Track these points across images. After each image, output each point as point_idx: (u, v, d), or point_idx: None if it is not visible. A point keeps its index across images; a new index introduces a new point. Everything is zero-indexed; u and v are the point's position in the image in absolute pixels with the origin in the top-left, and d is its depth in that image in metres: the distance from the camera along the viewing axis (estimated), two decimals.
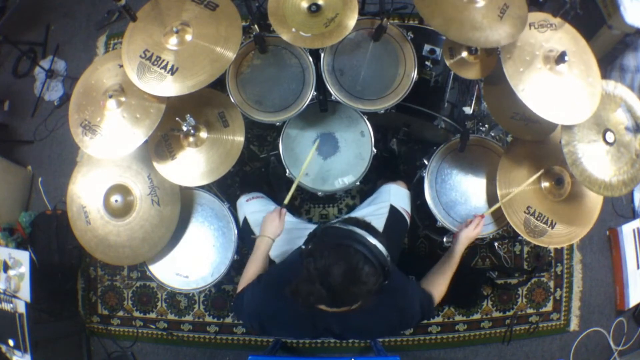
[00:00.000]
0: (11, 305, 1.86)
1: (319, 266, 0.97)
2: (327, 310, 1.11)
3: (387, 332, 1.33)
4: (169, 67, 1.45)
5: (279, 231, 1.46)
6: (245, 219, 1.68)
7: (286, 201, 1.53)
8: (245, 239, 1.68)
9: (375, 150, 1.75)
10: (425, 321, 2.13)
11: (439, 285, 1.41)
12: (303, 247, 1.05)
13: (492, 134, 1.92)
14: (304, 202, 2.27)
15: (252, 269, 1.39)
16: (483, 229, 1.65)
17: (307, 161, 1.63)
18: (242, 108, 1.68)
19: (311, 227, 1.61)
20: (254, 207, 1.70)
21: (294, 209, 2.24)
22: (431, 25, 1.40)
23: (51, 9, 2.70)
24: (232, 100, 1.68)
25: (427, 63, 1.71)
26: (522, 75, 1.38)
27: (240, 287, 1.36)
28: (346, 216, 1.09)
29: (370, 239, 0.98)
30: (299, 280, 1.01)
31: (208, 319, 2.21)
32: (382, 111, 1.67)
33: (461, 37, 1.40)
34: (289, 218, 1.70)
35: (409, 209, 1.70)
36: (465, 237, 1.50)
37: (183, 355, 2.22)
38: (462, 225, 1.57)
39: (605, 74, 2.20)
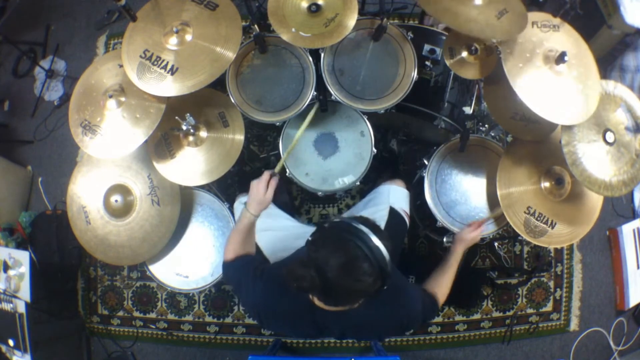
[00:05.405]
0: (11, 305, 1.86)
1: (319, 253, 0.98)
2: (326, 308, 1.11)
3: (387, 332, 1.32)
4: (169, 67, 1.45)
5: (263, 206, 1.31)
6: None
7: (277, 169, 1.39)
8: None
9: (375, 150, 1.75)
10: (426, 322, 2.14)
11: (441, 286, 1.41)
12: (310, 238, 1.05)
13: (492, 134, 1.92)
14: (304, 202, 2.27)
15: (236, 239, 1.32)
16: (484, 228, 1.64)
17: (308, 120, 1.57)
18: (242, 108, 1.68)
19: (310, 229, 1.61)
20: None
21: (294, 209, 2.24)
22: (425, 9, 1.38)
23: (51, 9, 2.70)
24: (232, 100, 1.68)
25: (427, 63, 1.70)
26: (521, 71, 1.38)
27: (226, 254, 1.31)
28: (357, 215, 1.09)
29: (375, 240, 0.98)
30: (296, 261, 1.00)
31: (208, 319, 2.21)
32: (382, 111, 1.67)
33: (456, 23, 1.37)
34: (288, 222, 1.70)
35: (408, 210, 1.69)
36: (460, 238, 1.52)
37: (183, 355, 2.22)
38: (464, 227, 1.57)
39: (605, 74, 2.20)
